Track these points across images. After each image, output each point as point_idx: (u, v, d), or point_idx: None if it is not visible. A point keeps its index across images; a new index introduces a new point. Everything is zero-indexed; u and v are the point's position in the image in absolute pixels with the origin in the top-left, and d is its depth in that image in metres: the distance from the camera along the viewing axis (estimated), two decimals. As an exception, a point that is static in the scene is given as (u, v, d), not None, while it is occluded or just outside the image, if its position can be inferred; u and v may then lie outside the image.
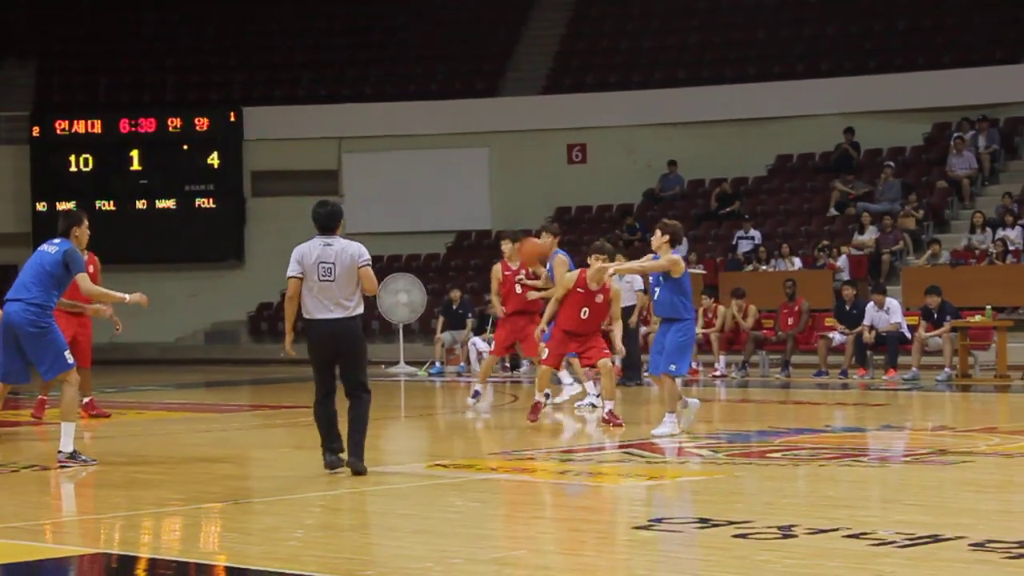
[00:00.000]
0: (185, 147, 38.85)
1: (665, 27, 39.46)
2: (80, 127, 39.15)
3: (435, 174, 38.44)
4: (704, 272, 31.18)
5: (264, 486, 12.59)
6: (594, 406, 18.77)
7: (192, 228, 38.30)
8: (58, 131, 39.07)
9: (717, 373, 26.56)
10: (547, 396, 18.03)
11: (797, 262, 30.89)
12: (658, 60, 38.54)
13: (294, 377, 21.85)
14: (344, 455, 12.88)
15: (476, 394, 20.24)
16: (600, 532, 10.35)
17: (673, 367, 15.72)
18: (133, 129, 38.97)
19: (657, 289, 15.93)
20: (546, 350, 17.19)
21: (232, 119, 39.05)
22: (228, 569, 9.27)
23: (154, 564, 9.58)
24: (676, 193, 36.82)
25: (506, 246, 19.70)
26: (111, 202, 38.56)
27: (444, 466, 14.27)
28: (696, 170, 36.85)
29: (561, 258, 18.83)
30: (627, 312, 25.35)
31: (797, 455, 14.34)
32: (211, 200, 38.76)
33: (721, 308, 27.28)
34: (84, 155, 38.89)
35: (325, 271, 12.67)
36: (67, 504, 12.68)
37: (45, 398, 18.81)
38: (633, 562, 9.27)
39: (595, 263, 17.04)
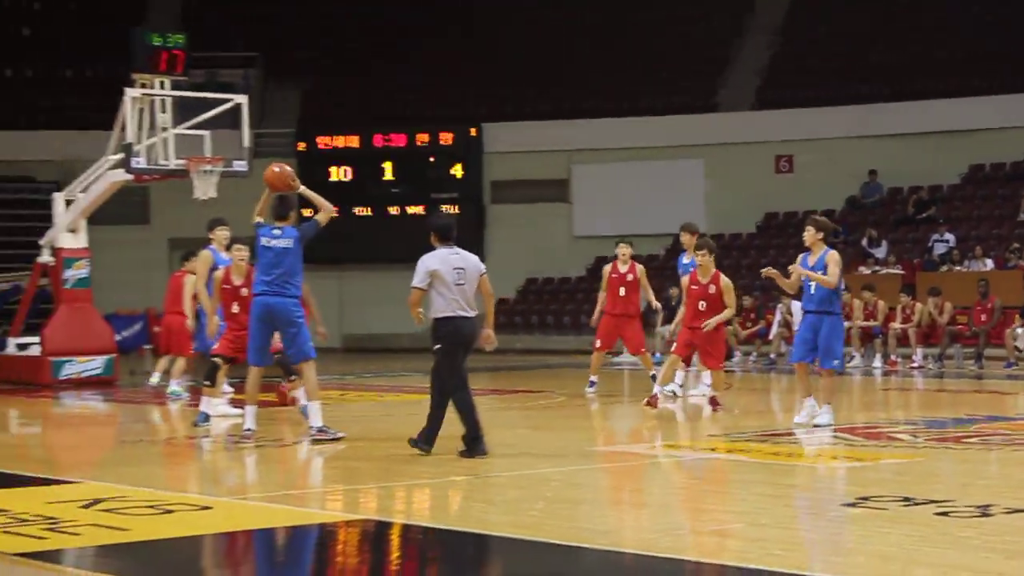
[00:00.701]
0: (432, 159, 39.26)
1: (867, 46, 38.84)
2: (340, 142, 39.77)
3: (655, 183, 38.31)
4: (902, 272, 30.75)
5: (506, 462, 12.65)
6: (675, 394, 18.42)
7: (438, 231, 38.67)
8: (320, 146, 39.73)
9: (915, 365, 26.10)
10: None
11: (989, 263, 30.24)
12: (860, 77, 37.96)
13: (529, 365, 21.93)
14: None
15: (592, 384, 19.91)
16: (811, 509, 10.23)
17: (836, 362, 15.13)
18: (386, 143, 39.50)
19: (812, 284, 15.17)
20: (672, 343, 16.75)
21: (474, 134, 39.36)
22: (476, 536, 9.34)
23: (407, 529, 9.71)
24: (876, 200, 36.30)
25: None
26: (368, 208, 39.11)
27: (667, 446, 14.23)
28: (895, 178, 36.29)
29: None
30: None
31: (991, 440, 14.05)
32: (455, 207, 39.11)
33: (919, 305, 26.79)
34: (344, 167, 39.47)
35: (459, 276, 12.92)
36: (331, 475, 12.89)
37: (288, 385, 19.05)
38: (843, 536, 9.16)
39: (701, 259, 16.78)
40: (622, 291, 19.74)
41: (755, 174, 37.90)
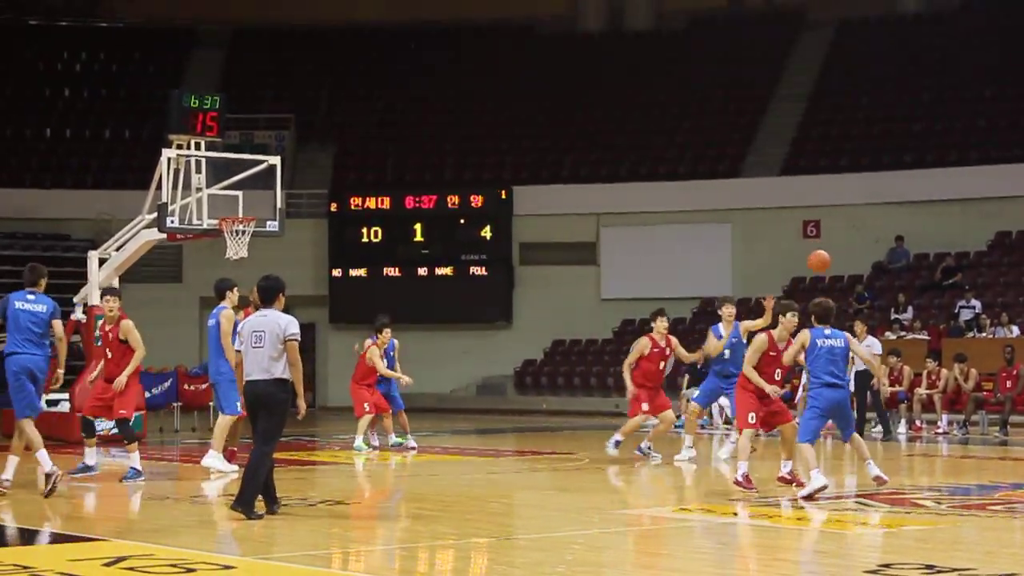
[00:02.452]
0: (462, 221, 39.29)
1: (893, 115, 38.87)
2: (371, 203, 39.84)
3: (682, 247, 38.29)
4: (928, 338, 30.60)
5: (529, 524, 12.56)
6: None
7: (467, 293, 38.70)
8: (352, 207, 39.81)
9: (940, 430, 25.90)
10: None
11: (1015, 330, 30.07)
12: (887, 145, 37.95)
13: (556, 426, 21.73)
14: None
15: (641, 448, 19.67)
16: (834, 575, 10.09)
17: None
18: (417, 205, 39.54)
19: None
20: (752, 414, 15.42)
21: (503, 196, 39.39)
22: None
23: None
24: (903, 265, 36.17)
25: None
26: (397, 269, 39.16)
27: (689, 510, 14.09)
28: (922, 245, 36.18)
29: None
30: (867, 376, 24.75)
31: (1015, 508, 13.88)
32: (484, 268, 39.10)
33: (944, 371, 26.63)
34: (374, 227, 39.55)
35: (256, 338, 12.79)
36: (355, 535, 12.79)
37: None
38: (864, 604, 9.02)
39: (789, 320, 16.14)
40: (663, 365, 19.50)
41: (782, 239, 37.82)
